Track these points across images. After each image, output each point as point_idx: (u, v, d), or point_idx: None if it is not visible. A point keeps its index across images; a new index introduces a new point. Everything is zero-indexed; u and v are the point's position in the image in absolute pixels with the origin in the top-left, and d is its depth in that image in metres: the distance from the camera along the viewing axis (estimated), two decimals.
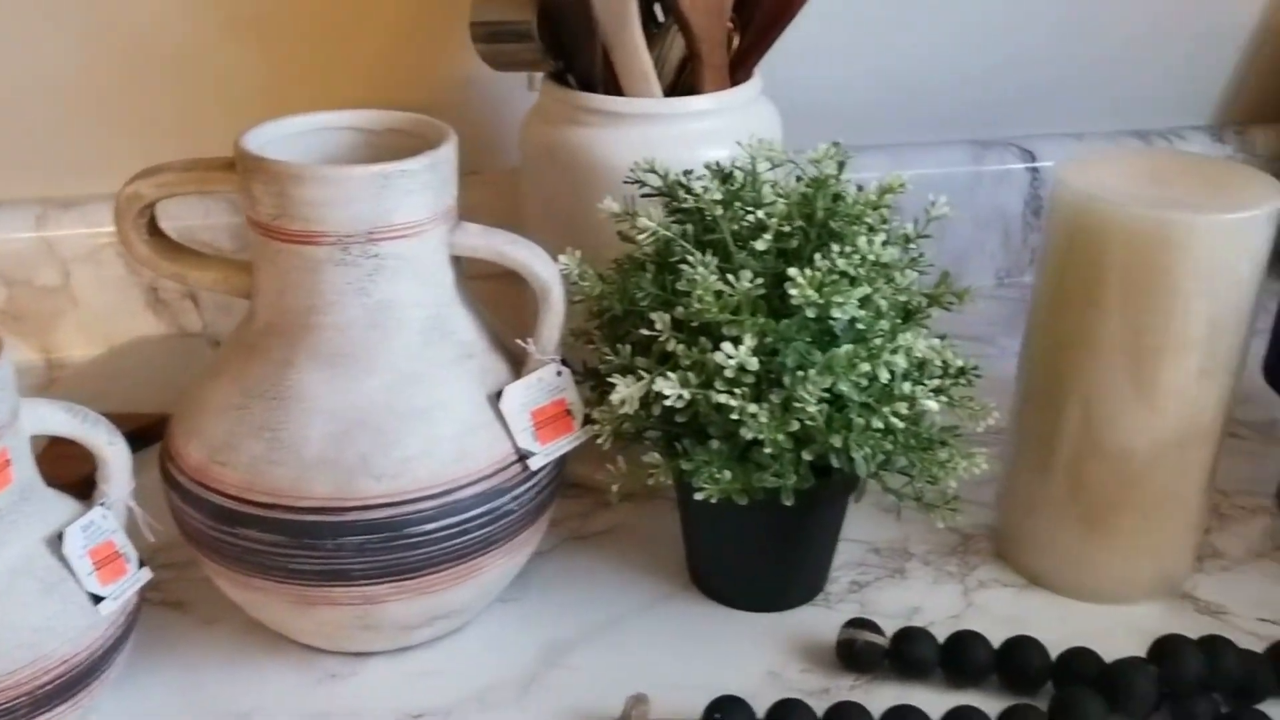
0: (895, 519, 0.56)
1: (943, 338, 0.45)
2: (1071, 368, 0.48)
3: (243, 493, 0.42)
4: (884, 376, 0.42)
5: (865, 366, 0.42)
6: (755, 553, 0.49)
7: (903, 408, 0.42)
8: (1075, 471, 0.49)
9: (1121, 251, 0.45)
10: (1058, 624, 0.49)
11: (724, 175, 0.47)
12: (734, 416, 0.42)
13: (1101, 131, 0.81)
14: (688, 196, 0.46)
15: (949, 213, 0.48)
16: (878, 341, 0.42)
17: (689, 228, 0.46)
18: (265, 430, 0.42)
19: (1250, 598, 0.51)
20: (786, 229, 0.45)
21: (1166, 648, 0.44)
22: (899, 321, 0.46)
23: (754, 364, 0.42)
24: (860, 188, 0.48)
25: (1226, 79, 0.83)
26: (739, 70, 0.58)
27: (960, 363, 0.45)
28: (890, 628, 0.49)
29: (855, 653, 0.46)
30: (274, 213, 0.42)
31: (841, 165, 0.50)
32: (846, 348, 0.41)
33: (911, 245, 0.47)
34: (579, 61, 0.56)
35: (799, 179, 0.47)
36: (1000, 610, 0.51)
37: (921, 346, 0.43)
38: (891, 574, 0.53)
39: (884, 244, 0.44)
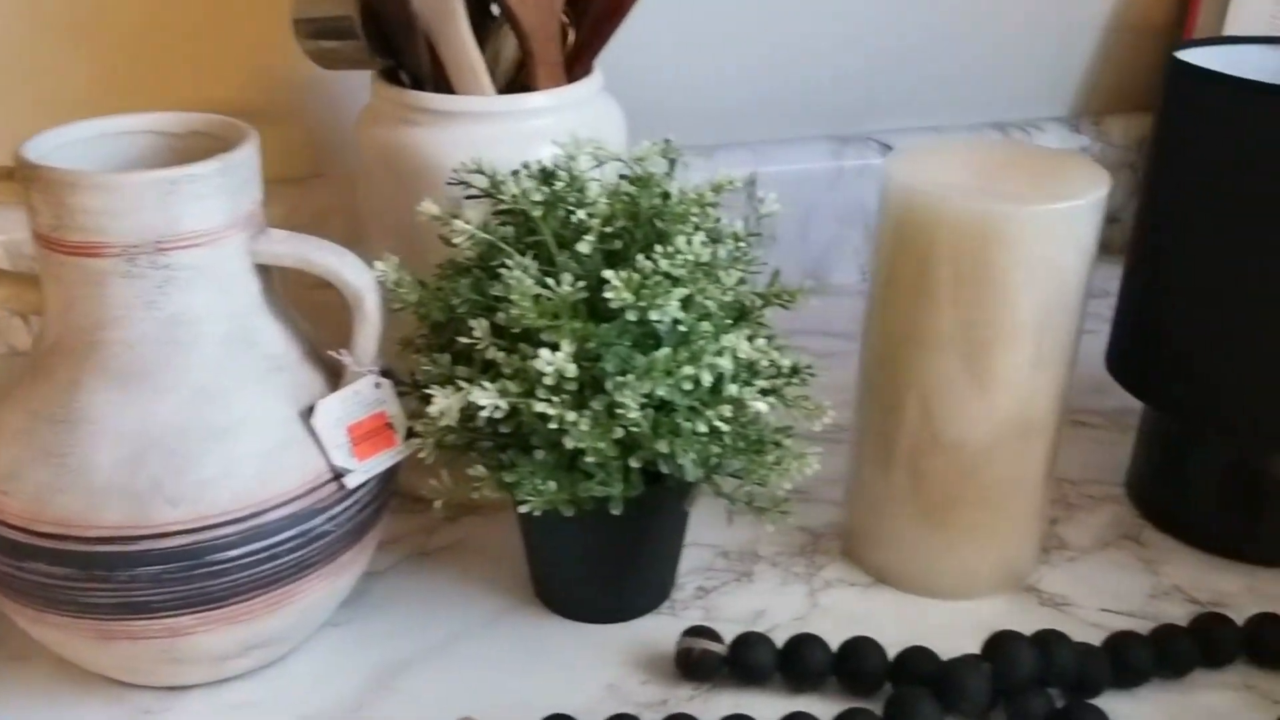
0: (737, 523, 0.55)
1: (771, 338, 0.44)
2: (907, 362, 0.47)
3: (28, 523, 0.39)
4: (706, 379, 0.41)
5: (688, 370, 0.41)
6: (595, 563, 0.48)
7: (727, 410, 0.41)
8: (915, 466, 0.49)
9: (948, 245, 0.45)
10: (902, 622, 0.49)
11: (547, 174, 0.45)
12: (554, 426, 0.40)
13: (960, 124, 0.81)
14: (513, 198, 0.44)
15: (779, 210, 0.47)
16: (700, 344, 0.41)
17: (511, 230, 0.44)
18: (51, 456, 0.40)
19: (1095, 588, 0.51)
20: (610, 230, 0.43)
21: (1000, 644, 0.43)
22: (730, 322, 0.44)
23: (573, 370, 0.40)
24: (683, 189, 0.47)
25: (1082, 70, 0.84)
26: (577, 66, 0.56)
27: (789, 362, 0.44)
28: (734, 632, 0.48)
29: (692, 662, 0.45)
30: (53, 223, 0.39)
31: (673, 163, 0.48)
32: (664, 351, 0.40)
33: (741, 244, 0.46)
34: (408, 58, 0.54)
35: (624, 177, 0.46)
36: (845, 610, 0.50)
37: (745, 348, 0.42)
38: (739, 577, 0.52)
39: (707, 243, 0.43)
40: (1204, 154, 0.48)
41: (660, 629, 0.48)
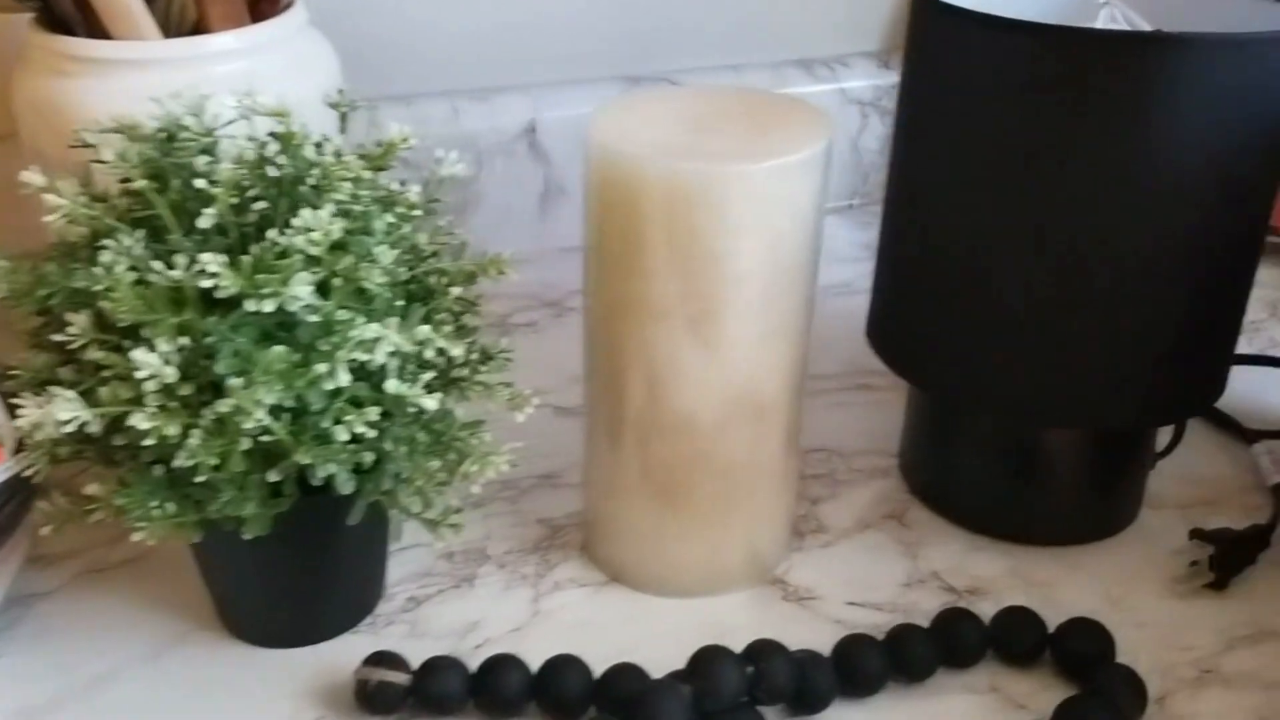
0: (467, 519, 0.49)
1: (441, 324, 0.38)
2: (628, 334, 0.42)
3: None
4: (343, 379, 0.35)
5: (322, 367, 0.35)
6: (270, 582, 0.42)
7: (373, 413, 0.35)
8: (644, 448, 0.43)
9: (655, 210, 0.39)
10: (630, 628, 0.44)
11: (170, 134, 0.38)
12: (149, 442, 0.34)
13: (761, 62, 0.75)
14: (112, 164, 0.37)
15: (461, 171, 0.41)
16: (336, 337, 0.35)
17: (122, 203, 0.37)
18: None
19: (846, 578, 0.47)
20: (239, 200, 0.37)
21: (701, 663, 0.38)
22: (403, 305, 0.38)
23: (171, 373, 0.34)
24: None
25: (892, 2, 0.78)
26: (267, 3, 0.49)
27: (457, 350, 0.38)
28: (443, 649, 0.43)
29: (369, 694, 0.39)
30: None
31: (344, 117, 0.42)
32: (278, 349, 0.34)
33: (416, 212, 0.40)
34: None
35: (274, 135, 0.39)
36: (570, 617, 0.45)
37: (396, 338, 0.36)
38: (459, 583, 0.46)
39: (363, 213, 0.37)
40: (944, 98, 0.43)
41: (355, 651, 0.42)
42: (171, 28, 0.48)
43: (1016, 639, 0.42)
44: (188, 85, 0.39)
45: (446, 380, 0.41)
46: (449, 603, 0.46)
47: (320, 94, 0.48)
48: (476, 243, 0.71)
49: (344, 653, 0.43)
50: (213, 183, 0.36)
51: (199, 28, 0.48)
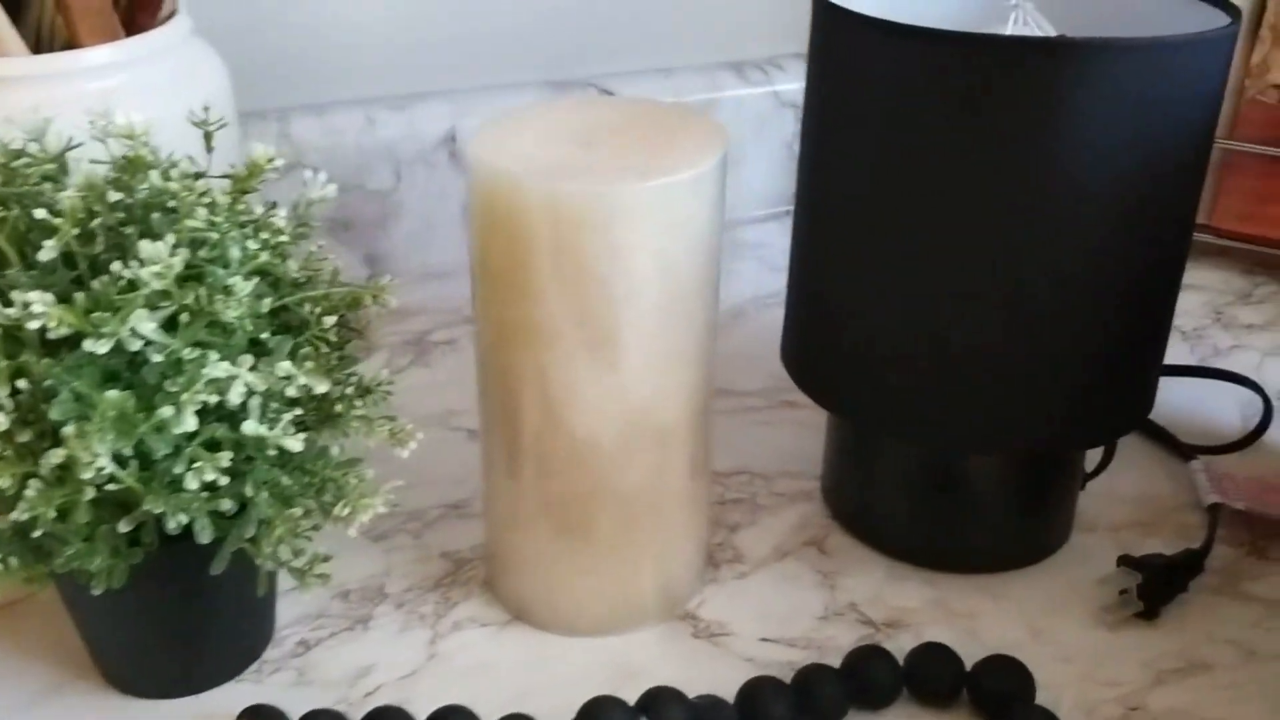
0: (367, 554, 0.47)
1: (307, 358, 0.36)
2: (520, 361, 0.40)
3: None
4: (189, 423, 0.32)
5: (166, 410, 0.32)
6: (143, 632, 0.39)
7: (225, 459, 0.33)
8: (542, 476, 0.41)
9: (541, 232, 0.37)
10: (530, 671, 0.42)
11: (3, 161, 0.36)
12: None
13: (692, 65, 0.73)
14: None
15: (332, 194, 0.38)
16: (184, 378, 0.32)
17: None
18: None
19: (761, 612, 0.45)
20: (82, 231, 0.34)
21: (589, 716, 0.36)
22: (269, 337, 0.36)
23: (2, 420, 0.31)
24: (236, 168, 0.38)
25: None
26: (144, 13, 0.46)
27: (323, 386, 0.35)
28: (332, 698, 0.41)
29: None
30: None
31: (208, 137, 0.39)
32: (114, 394, 0.31)
33: (283, 239, 0.37)
34: None
35: (126, 159, 0.37)
36: (468, 660, 0.42)
37: (249, 377, 0.33)
38: (353, 625, 0.44)
39: (221, 240, 0.34)
40: (846, 109, 0.41)
41: (237, 701, 0.40)
42: (44, 46, 0.46)
43: (932, 678, 0.40)
44: (31, 107, 0.37)
45: (324, 416, 0.38)
46: (341, 646, 0.43)
47: (218, 109, 0.45)
48: (398, 256, 0.69)
49: (225, 703, 0.40)
50: (55, 213, 0.34)
51: (70, 45, 0.46)
